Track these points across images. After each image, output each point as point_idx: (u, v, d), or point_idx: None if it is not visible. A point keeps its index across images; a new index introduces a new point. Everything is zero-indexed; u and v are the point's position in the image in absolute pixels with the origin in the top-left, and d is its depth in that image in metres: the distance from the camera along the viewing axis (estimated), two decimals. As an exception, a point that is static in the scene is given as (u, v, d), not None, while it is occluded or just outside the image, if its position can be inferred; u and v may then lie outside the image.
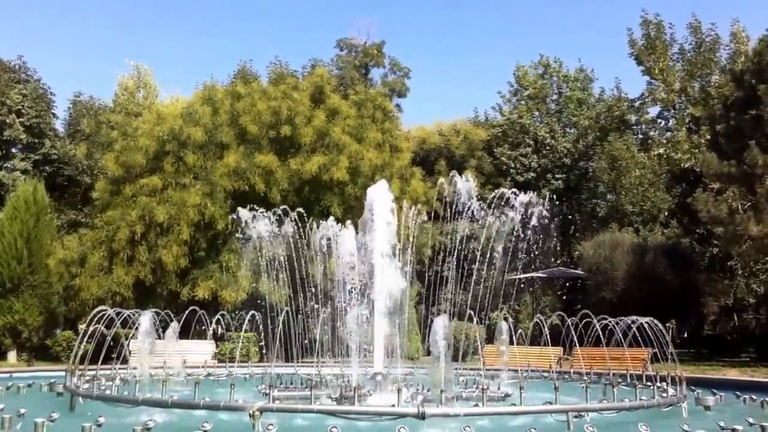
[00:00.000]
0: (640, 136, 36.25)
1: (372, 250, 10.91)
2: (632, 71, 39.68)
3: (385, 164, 23.54)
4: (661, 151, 32.41)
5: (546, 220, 13.21)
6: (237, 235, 16.02)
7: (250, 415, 7.10)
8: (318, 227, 13.02)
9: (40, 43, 66.86)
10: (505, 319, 13.54)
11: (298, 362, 14.07)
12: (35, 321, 21.77)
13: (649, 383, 10.05)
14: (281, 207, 14.21)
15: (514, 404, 8.49)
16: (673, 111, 34.76)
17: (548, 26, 69.82)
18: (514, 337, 12.86)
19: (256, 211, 13.64)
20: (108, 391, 9.32)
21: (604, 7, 65.68)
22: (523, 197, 12.60)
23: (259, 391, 10.38)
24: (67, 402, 9.35)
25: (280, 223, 13.66)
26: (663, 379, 10.23)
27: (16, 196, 23.21)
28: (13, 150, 30.64)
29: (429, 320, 10.29)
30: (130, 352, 13.59)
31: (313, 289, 13.72)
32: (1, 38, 59.89)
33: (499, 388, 10.79)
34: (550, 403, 7.89)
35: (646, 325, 10.97)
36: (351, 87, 29.52)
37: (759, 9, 49.14)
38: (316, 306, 13.33)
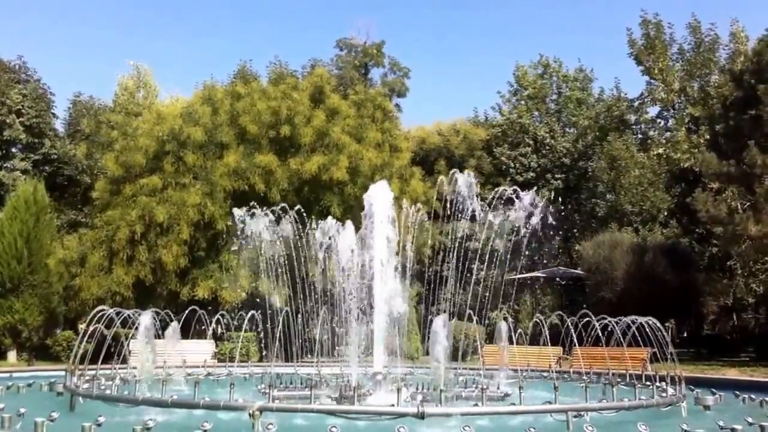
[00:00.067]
0: (640, 135, 36.23)
1: (371, 249, 10.92)
2: (632, 71, 39.72)
3: (385, 164, 23.55)
4: (661, 150, 32.40)
5: (548, 219, 13.24)
6: (234, 237, 16.03)
7: (249, 414, 7.11)
8: (317, 226, 13.02)
9: (40, 43, 66.95)
10: (505, 318, 13.53)
11: (297, 362, 14.09)
12: (35, 321, 21.78)
13: (648, 383, 10.06)
14: (280, 205, 14.21)
15: (514, 404, 8.50)
16: (672, 111, 34.75)
17: (548, 26, 69.94)
18: (513, 337, 12.86)
19: (256, 208, 13.65)
20: (108, 391, 9.32)
21: (604, 7, 65.77)
22: (526, 196, 12.62)
23: (259, 391, 10.39)
24: (67, 402, 9.36)
25: (278, 221, 13.67)
26: (662, 378, 10.23)
27: (16, 196, 23.22)
28: (13, 150, 30.67)
29: (429, 320, 10.31)
30: (130, 352, 13.60)
31: (312, 288, 13.74)
32: (1, 38, 59.94)
33: (498, 388, 10.79)
34: (550, 402, 7.90)
35: (645, 325, 10.99)
36: (351, 87, 29.52)
37: (758, 9, 49.20)
38: (314, 306, 13.35)
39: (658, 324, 11.04)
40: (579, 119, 37.26)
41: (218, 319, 15.89)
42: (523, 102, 38.32)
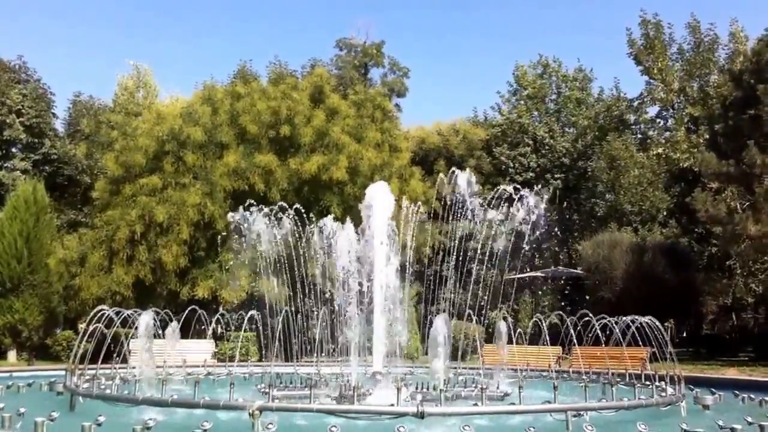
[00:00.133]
0: (639, 135, 36.27)
1: (371, 249, 10.93)
2: (631, 71, 39.65)
3: (385, 164, 23.56)
4: (660, 150, 32.43)
5: (548, 218, 13.25)
6: (232, 237, 16.04)
7: (249, 414, 7.11)
8: (317, 225, 13.02)
9: (40, 43, 66.90)
10: (504, 318, 13.54)
11: (297, 361, 14.09)
12: (35, 320, 21.79)
13: (647, 382, 10.07)
14: (279, 203, 14.21)
15: (513, 403, 8.50)
16: (671, 111, 34.79)
17: (547, 26, 69.89)
18: (513, 337, 12.87)
19: (256, 206, 13.64)
20: (108, 391, 9.32)
21: (603, 7, 65.72)
22: (527, 193, 12.62)
23: (259, 391, 10.39)
24: (67, 401, 9.35)
25: (278, 219, 13.66)
26: (662, 378, 10.24)
27: (16, 195, 23.22)
28: (13, 150, 30.66)
29: (428, 320, 10.32)
30: (129, 352, 13.60)
31: (312, 287, 13.74)
32: (1, 38, 59.91)
33: (498, 388, 10.80)
34: (549, 402, 7.90)
35: (644, 325, 11.00)
36: (350, 87, 29.52)
37: (758, 9, 49.21)
38: (313, 305, 13.35)
39: (658, 323, 11.05)
40: (578, 119, 37.28)
41: (218, 318, 15.89)
42: (522, 102, 38.33)
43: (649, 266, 25.09)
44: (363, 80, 34.89)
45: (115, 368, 11.63)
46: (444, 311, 14.04)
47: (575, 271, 28.18)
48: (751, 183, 21.35)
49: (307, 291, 14.12)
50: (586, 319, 11.71)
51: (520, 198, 12.59)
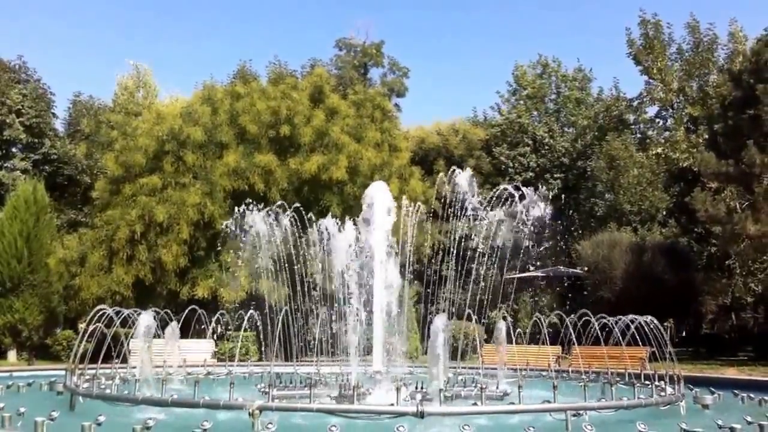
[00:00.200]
0: (639, 135, 36.24)
1: (371, 249, 10.94)
2: (630, 71, 39.58)
3: (384, 164, 23.57)
4: (660, 150, 32.42)
5: (548, 217, 13.26)
6: (231, 236, 16.03)
7: (249, 413, 7.13)
8: (316, 224, 13.03)
9: (40, 43, 66.78)
10: (504, 318, 13.55)
11: (297, 361, 14.10)
12: (35, 320, 21.80)
13: (647, 382, 10.08)
14: (278, 202, 14.21)
15: (513, 403, 8.50)
16: (671, 110, 34.77)
17: (547, 27, 69.82)
18: (512, 336, 12.88)
19: (255, 205, 13.65)
20: (108, 390, 9.34)
21: (603, 7, 65.69)
22: (530, 192, 12.63)
23: (259, 390, 10.40)
24: (67, 401, 9.37)
25: (277, 219, 13.67)
26: (661, 377, 10.25)
27: (16, 195, 23.24)
28: (13, 150, 30.68)
29: (428, 319, 10.32)
30: (129, 352, 13.61)
31: (311, 287, 13.74)
32: (1, 38, 59.88)
33: (497, 387, 10.81)
34: (549, 401, 7.92)
35: (644, 324, 11.00)
36: (350, 87, 29.52)
37: (757, 9, 49.22)
38: (312, 305, 13.36)
39: (657, 323, 11.06)
40: (578, 119, 37.29)
41: (218, 318, 15.90)
42: (522, 102, 38.33)
43: (648, 266, 25.10)
44: (363, 80, 34.89)
45: (115, 368, 11.63)
46: (444, 311, 14.06)
47: (575, 270, 28.19)
48: (751, 183, 21.37)
49: (306, 291, 14.11)
50: (586, 318, 11.72)
51: (522, 196, 12.59)
